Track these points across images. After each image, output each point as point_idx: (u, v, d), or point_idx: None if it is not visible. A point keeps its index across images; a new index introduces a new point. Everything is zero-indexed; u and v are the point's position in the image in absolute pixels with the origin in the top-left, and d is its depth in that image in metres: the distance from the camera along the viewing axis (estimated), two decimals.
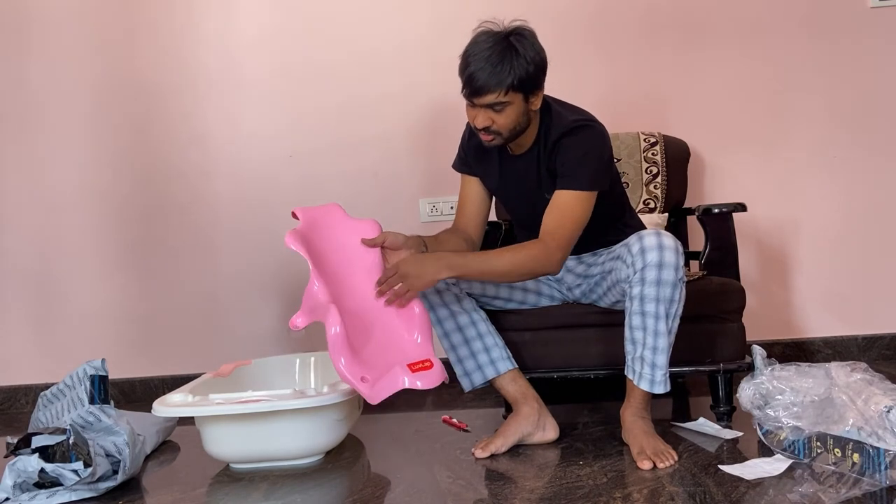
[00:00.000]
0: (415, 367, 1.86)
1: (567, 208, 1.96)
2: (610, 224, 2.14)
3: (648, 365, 1.91)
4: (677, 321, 1.91)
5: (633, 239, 1.91)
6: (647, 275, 1.85)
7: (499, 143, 2.01)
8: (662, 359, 1.90)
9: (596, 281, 2.11)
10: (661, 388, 1.92)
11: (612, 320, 2.08)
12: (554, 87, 2.15)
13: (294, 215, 2.05)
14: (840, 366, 1.82)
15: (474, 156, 2.18)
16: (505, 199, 2.22)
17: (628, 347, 1.95)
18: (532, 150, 2.06)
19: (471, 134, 2.18)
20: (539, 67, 1.94)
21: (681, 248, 1.88)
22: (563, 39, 2.90)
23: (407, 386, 1.84)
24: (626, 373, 1.97)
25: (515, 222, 2.28)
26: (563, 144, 1.99)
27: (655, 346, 1.89)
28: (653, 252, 1.85)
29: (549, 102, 2.06)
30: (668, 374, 1.93)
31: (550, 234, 1.95)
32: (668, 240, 1.86)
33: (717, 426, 2.08)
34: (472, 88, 1.91)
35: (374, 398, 1.84)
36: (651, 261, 1.85)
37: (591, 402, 2.48)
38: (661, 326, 1.88)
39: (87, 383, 2.10)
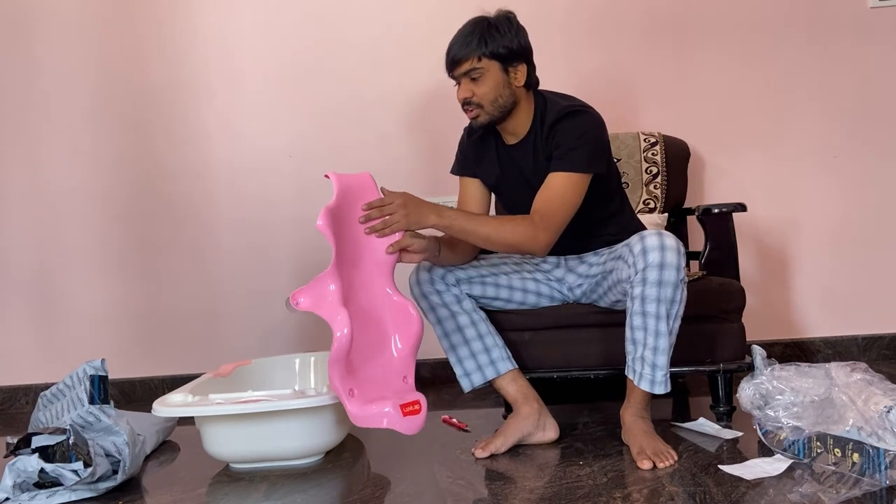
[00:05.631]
0: (406, 410, 1.83)
1: (558, 190, 1.97)
2: (609, 219, 2.15)
3: (649, 365, 1.91)
4: (678, 322, 1.91)
5: (634, 239, 1.91)
6: (649, 275, 1.86)
7: (484, 119, 2.03)
8: (663, 359, 1.91)
9: (597, 281, 2.11)
10: (662, 388, 1.92)
11: (612, 320, 2.08)
12: (555, 86, 2.17)
13: (328, 178, 1.93)
14: (840, 366, 1.82)
15: (473, 154, 2.19)
16: (505, 194, 2.21)
17: (629, 347, 1.95)
18: (528, 137, 2.08)
19: (469, 133, 2.22)
20: (514, 40, 2.00)
21: (682, 249, 1.88)
22: (563, 39, 2.91)
23: (390, 427, 1.81)
24: (626, 373, 1.97)
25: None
26: (557, 129, 2.01)
27: (656, 347, 1.90)
28: (655, 252, 1.85)
29: (543, 94, 2.10)
30: (668, 375, 1.93)
31: (539, 214, 1.96)
32: (670, 240, 1.86)
33: (717, 426, 2.08)
34: (448, 61, 2.01)
35: (359, 421, 1.82)
36: (653, 261, 1.85)
37: (591, 402, 2.48)
38: (662, 327, 1.88)
39: (87, 383, 2.10)
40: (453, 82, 2.07)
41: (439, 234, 2.04)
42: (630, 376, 1.96)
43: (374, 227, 1.89)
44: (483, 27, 1.99)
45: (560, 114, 2.02)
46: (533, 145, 2.07)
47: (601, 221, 2.13)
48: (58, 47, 3.02)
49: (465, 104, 2.03)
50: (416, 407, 1.85)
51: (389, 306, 1.95)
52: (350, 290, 1.87)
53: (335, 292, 1.82)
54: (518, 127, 2.08)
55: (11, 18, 3.02)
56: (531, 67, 2.06)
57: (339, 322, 1.78)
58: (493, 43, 1.97)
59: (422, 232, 1.99)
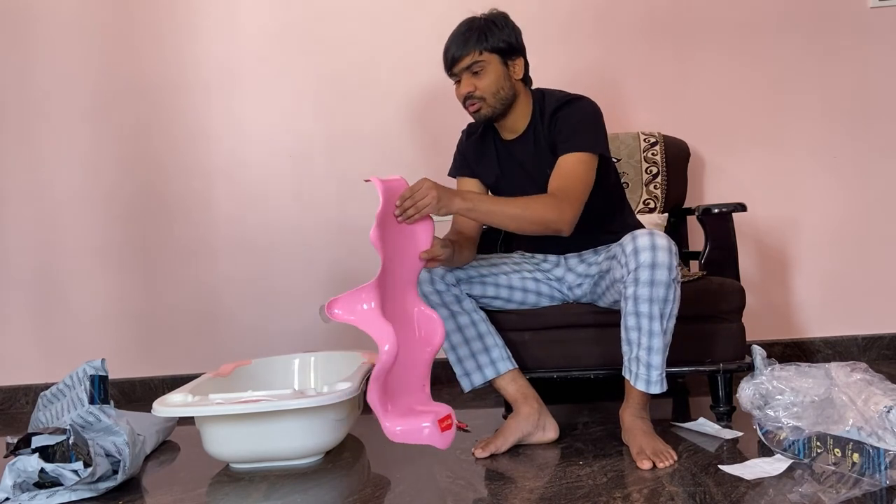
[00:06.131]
0: (443, 425, 1.80)
1: (571, 169, 1.98)
2: (610, 215, 2.15)
3: (644, 365, 1.91)
4: (673, 321, 1.91)
5: (626, 239, 1.91)
6: (641, 275, 1.85)
7: (486, 112, 2.06)
8: (658, 359, 1.90)
9: (595, 281, 2.12)
10: (658, 388, 1.92)
11: (611, 320, 2.07)
12: (554, 85, 2.18)
13: (370, 182, 1.83)
14: (840, 366, 1.82)
15: (473, 154, 2.20)
16: (505, 191, 2.20)
17: (624, 348, 1.95)
18: (528, 131, 2.11)
19: (468, 135, 2.24)
20: (511, 34, 2.05)
21: (674, 248, 1.88)
22: (564, 39, 2.91)
23: (428, 443, 1.79)
24: (623, 373, 1.97)
25: None
26: (558, 117, 2.05)
27: (650, 347, 1.89)
28: (646, 252, 1.85)
29: (541, 89, 2.14)
30: (664, 374, 1.92)
31: (559, 190, 1.96)
32: (662, 240, 1.86)
33: (717, 426, 2.08)
34: (449, 59, 2.04)
35: (397, 437, 1.79)
36: (644, 261, 1.85)
37: (591, 402, 2.48)
38: (656, 326, 1.88)
39: (87, 383, 2.10)
40: (450, 82, 2.09)
41: (452, 237, 2.05)
42: (627, 377, 1.96)
43: (406, 213, 1.83)
44: (480, 24, 2.04)
45: (560, 102, 2.06)
46: (533, 137, 2.09)
47: (601, 216, 2.13)
48: (58, 47, 3.02)
49: (467, 98, 2.05)
50: (450, 422, 1.83)
51: (417, 315, 1.92)
52: (383, 299, 1.81)
53: (374, 308, 1.75)
54: (517, 122, 2.11)
55: (11, 18, 3.02)
56: (527, 63, 2.10)
57: (385, 337, 1.72)
58: (493, 37, 2.02)
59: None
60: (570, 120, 2.03)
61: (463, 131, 2.26)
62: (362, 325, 1.75)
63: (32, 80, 3.03)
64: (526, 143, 2.11)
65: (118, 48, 3.01)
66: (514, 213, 1.92)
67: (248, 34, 3.00)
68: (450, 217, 2.12)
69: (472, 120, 2.17)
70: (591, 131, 2.02)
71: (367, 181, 1.84)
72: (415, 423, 1.79)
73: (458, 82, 2.07)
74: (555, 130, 2.04)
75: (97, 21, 3.01)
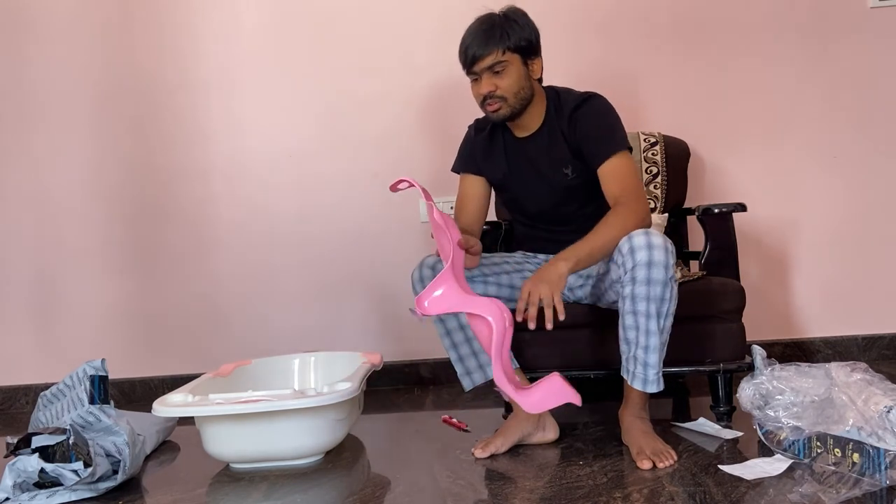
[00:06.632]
0: (567, 383, 1.80)
1: (620, 171, 1.99)
2: None
3: (641, 364, 1.91)
4: (670, 320, 1.90)
5: (623, 239, 1.90)
6: (637, 274, 1.85)
7: (505, 112, 2.04)
8: (654, 358, 1.90)
9: (593, 283, 2.12)
10: (655, 387, 1.92)
11: (612, 321, 2.07)
12: (556, 84, 2.17)
13: (410, 185, 1.87)
14: (840, 366, 1.82)
15: (481, 151, 2.19)
16: (512, 189, 2.21)
17: (622, 347, 1.95)
18: (541, 129, 2.10)
19: (476, 131, 2.22)
20: (532, 33, 2.04)
21: (671, 247, 1.87)
22: (564, 39, 2.90)
23: (568, 401, 1.78)
24: (621, 373, 1.97)
25: (522, 214, 2.26)
26: (579, 116, 2.04)
27: (647, 346, 1.89)
28: (642, 251, 1.84)
29: (553, 87, 2.13)
30: (661, 373, 1.92)
31: (622, 193, 1.96)
32: (657, 239, 1.86)
33: (717, 426, 2.08)
34: (470, 57, 2.00)
35: (538, 407, 1.76)
36: (640, 260, 1.84)
37: (590, 403, 2.48)
38: (653, 325, 1.88)
39: (87, 383, 2.10)
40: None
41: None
42: (624, 376, 1.96)
43: (531, 314, 1.79)
44: (501, 21, 2.01)
45: (578, 100, 2.06)
46: (548, 135, 2.09)
47: (603, 217, 2.12)
48: (57, 48, 3.02)
49: (487, 98, 2.02)
50: (568, 382, 1.82)
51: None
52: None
53: (456, 287, 1.74)
54: (532, 121, 2.10)
55: (11, 18, 3.02)
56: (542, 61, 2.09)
57: (486, 307, 1.71)
58: (515, 36, 1.99)
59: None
60: (593, 121, 2.02)
61: (470, 126, 2.24)
62: (457, 307, 1.75)
63: (31, 80, 3.03)
64: (539, 141, 2.10)
65: (118, 48, 3.01)
66: (608, 238, 1.90)
67: (248, 34, 3.00)
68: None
69: (480, 116, 2.16)
70: (617, 128, 2.03)
71: (400, 185, 1.87)
72: (551, 387, 1.77)
73: (476, 80, 2.04)
74: (576, 132, 2.04)
75: (96, 21, 3.01)
